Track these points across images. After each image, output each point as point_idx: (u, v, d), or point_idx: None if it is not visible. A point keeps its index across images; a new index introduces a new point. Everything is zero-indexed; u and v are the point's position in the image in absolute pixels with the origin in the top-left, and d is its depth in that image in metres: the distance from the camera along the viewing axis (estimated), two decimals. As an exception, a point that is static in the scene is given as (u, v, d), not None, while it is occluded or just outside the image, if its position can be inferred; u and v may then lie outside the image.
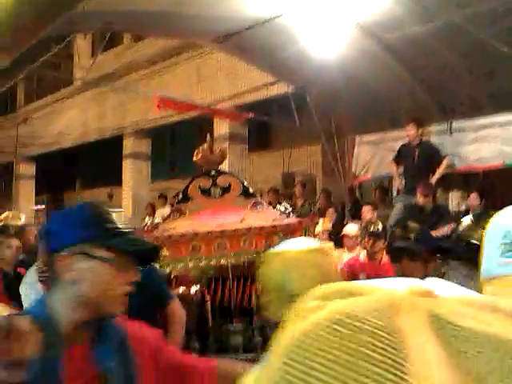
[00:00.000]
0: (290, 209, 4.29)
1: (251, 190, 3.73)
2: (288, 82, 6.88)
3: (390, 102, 6.31)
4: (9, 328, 1.03)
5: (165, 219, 3.41)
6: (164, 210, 9.60)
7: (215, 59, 9.45)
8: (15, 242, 3.68)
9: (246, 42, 5.62)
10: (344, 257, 6.03)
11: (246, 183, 3.77)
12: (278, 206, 4.20)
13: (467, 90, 6.07)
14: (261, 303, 1.63)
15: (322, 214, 7.84)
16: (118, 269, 1.16)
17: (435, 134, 6.85)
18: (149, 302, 2.46)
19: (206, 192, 3.60)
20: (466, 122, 6.65)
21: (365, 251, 4.58)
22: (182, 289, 3.09)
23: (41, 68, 10.07)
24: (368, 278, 3.72)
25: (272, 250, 1.57)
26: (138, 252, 1.21)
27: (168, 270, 3.06)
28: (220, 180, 3.67)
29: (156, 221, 3.54)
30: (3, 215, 4.01)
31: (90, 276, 1.15)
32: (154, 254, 1.33)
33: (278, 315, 1.34)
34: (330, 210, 7.64)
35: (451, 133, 6.74)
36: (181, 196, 3.48)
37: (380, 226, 4.48)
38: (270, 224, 3.29)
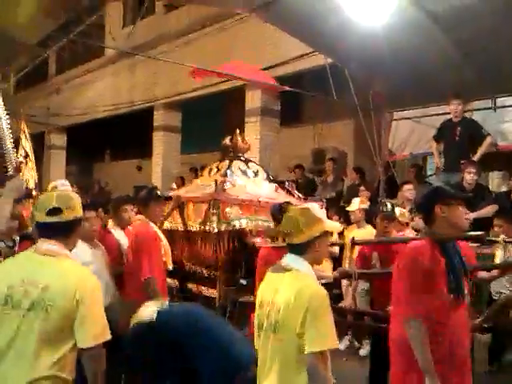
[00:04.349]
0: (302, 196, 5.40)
1: (271, 177, 5.00)
2: (326, 53, 6.65)
3: (431, 76, 6.04)
4: None
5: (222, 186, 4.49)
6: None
7: (247, 30, 9.24)
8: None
9: (285, 11, 5.43)
10: (354, 233, 5.99)
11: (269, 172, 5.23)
12: (297, 192, 5.41)
13: (512, 66, 5.78)
14: None
15: (353, 191, 7.69)
16: None
17: (478, 110, 6.59)
18: None
19: (243, 172, 4.72)
20: (511, 99, 6.38)
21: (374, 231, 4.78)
22: (259, 239, 4.20)
23: (73, 39, 10.04)
24: (380, 256, 4.23)
25: None
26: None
27: (244, 224, 4.33)
28: (250, 165, 4.85)
29: (226, 187, 4.51)
30: (51, 185, 4.08)
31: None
32: None
33: None
34: (362, 188, 7.46)
35: (495, 109, 6.47)
36: (229, 172, 4.67)
37: (390, 207, 4.52)
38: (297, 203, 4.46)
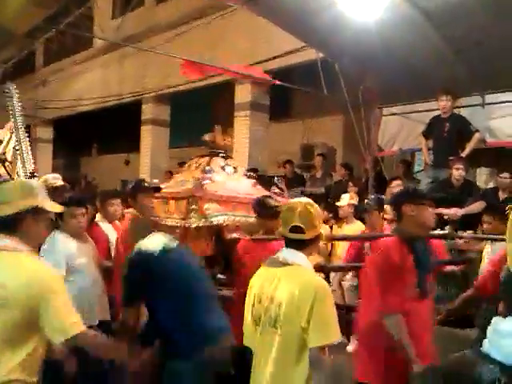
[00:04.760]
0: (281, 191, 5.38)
1: (249, 174, 5.00)
2: (318, 48, 6.62)
3: (423, 72, 6.06)
4: None
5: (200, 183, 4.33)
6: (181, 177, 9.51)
7: (237, 23, 9.19)
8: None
9: (277, 4, 5.40)
10: (343, 228, 6.00)
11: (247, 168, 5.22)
12: (273, 187, 5.41)
13: (503, 63, 5.81)
14: None
15: (341, 187, 7.70)
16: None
17: (467, 106, 6.63)
18: None
19: (223, 168, 4.71)
20: (500, 96, 6.41)
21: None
22: (235, 234, 4.22)
23: (61, 29, 9.91)
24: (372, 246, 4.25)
25: None
26: None
27: (221, 220, 4.19)
28: (229, 162, 4.84)
29: (204, 183, 4.37)
30: (43, 178, 4.08)
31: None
32: None
33: None
34: (350, 184, 7.49)
35: (483, 106, 6.51)
36: (208, 168, 4.59)
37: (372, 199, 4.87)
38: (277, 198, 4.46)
